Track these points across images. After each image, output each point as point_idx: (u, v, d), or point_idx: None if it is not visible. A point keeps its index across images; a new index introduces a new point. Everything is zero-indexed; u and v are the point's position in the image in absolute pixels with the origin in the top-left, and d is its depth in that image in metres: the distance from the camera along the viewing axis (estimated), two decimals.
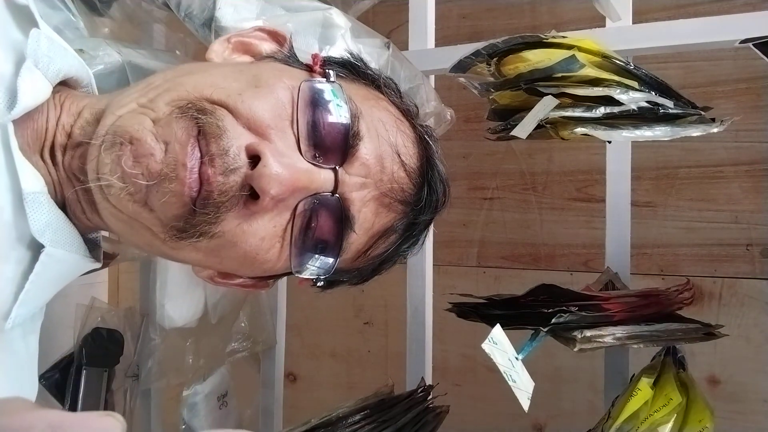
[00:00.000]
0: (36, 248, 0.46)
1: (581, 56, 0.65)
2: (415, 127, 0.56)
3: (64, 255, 0.47)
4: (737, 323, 1.11)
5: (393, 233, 0.55)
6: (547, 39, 0.68)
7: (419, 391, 0.81)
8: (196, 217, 0.45)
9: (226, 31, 0.60)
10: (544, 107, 0.63)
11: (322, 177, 0.48)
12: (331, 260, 0.51)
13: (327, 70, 0.52)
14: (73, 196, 0.48)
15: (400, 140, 0.53)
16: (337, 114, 0.49)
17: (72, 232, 0.48)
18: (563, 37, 0.68)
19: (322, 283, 0.54)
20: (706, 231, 1.14)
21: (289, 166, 0.46)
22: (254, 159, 0.45)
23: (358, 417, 0.73)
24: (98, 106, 0.49)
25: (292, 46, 0.57)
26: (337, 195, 0.49)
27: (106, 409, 0.98)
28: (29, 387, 0.51)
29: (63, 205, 0.49)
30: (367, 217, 0.51)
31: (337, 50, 0.67)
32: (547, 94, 0.63)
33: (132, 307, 1.12)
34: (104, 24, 0.84)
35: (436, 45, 0.89)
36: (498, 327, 0.61)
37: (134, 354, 1.06)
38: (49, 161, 0.48)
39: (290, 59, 0.55)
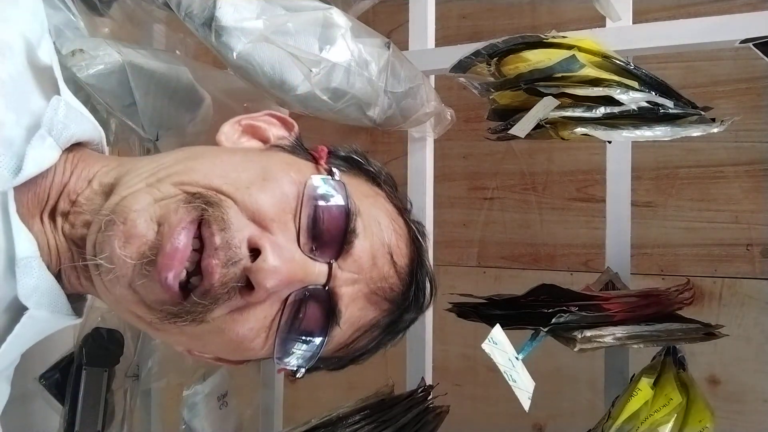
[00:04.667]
0: (19, 309, 0.46)
1: (581, 56, 0.64)
2: (408, 225, 0.58)
3: (47, 315, 0.48)
4: (737, 323, 1.11)
5: (376, 329, 0.57)
6: (547, 39, 0.68)
7: (419, 391, 0.81)
8: (191, 306, 0.46)
9: (226, 31, 0.60)
10: (544, 107, 0.62)
11: (317, 270, 0.49)
12: (313, 351, 0.52)
13: (332, 167, 0.53)
14: (70, 262, 0.49)
15: (394, 240, 0.54)
16: (338, 211, 0.50)
17: (58, 294, 0.49)
18: (563, 37, 0.68)
19: (302, 374, 0.55)
20: (706, 231, 1.14)
21: (287, 261, 0.47)
22: (254, 251, 0.46)
23: (358, 417, 0.73)
24: (108, 178, 0.49)
25: (299, 134, 0.59)
26: (328, 288, 0.50)
27: (106, 409, 0.98)
28: None
29: (58, 268, 0.49)
30: (354, 313, 0.53)
31: (338, 50, 0.67)
32: (547, 94, 0.63)
33: None
34: (104, 24, 0.84)
35: (436, 45, 0.89)
36: (498, 327, 0.61)
37: (134, 354, 1.06)
38: (48, 224, 0.49)
39: (297, 148, 0.57)
